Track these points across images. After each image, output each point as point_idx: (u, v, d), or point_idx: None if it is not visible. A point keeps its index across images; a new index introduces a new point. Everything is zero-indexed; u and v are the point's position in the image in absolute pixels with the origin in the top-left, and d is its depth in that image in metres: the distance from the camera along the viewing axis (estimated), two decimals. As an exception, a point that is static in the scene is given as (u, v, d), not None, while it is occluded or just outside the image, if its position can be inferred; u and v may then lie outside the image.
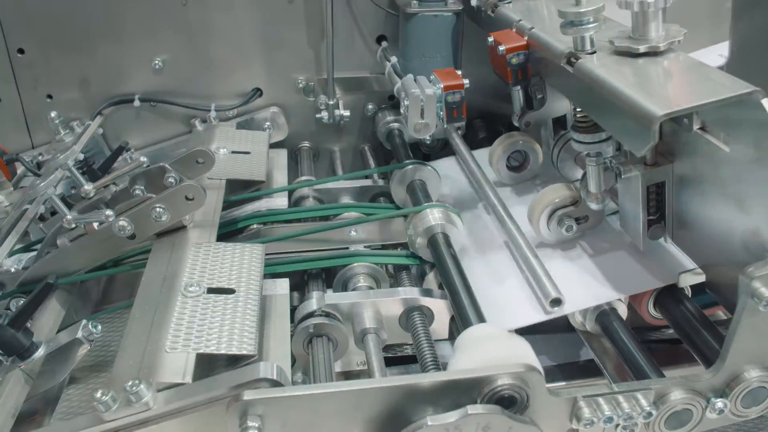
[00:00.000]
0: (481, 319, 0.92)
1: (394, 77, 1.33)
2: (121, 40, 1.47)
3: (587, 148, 1.01)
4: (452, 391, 0.77)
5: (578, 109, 1.02)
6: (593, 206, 1.04)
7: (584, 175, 1.07)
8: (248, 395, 0.73)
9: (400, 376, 0.78)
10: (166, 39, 1.48)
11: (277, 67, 1.53)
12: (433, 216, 1.12)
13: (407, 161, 1.30)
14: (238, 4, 1.46)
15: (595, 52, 0.95)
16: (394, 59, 1.41)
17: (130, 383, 0.74)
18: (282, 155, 1.49)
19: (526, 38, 1.11)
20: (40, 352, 0.93)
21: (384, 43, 1.51)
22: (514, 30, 1.15)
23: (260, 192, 1.30)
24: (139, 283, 1.07)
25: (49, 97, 1.51)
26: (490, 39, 1.15)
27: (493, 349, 0.82)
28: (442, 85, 1.10)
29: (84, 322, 0.92)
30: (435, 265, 1.10)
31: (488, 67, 1.24)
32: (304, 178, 1.42)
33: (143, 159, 1.14)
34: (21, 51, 1.47)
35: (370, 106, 1.59)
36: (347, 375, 1.11)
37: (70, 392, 0.94)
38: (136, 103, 1.50)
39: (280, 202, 1.30)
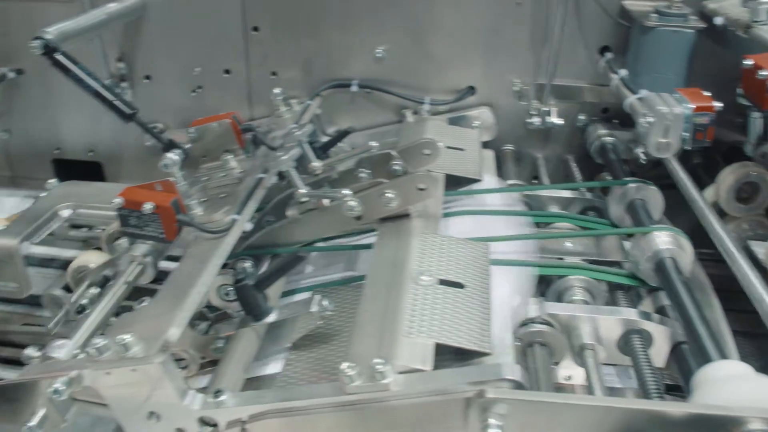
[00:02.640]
0: (723, 354, 0.87)
1: (624, 91, 1.29)
2: (348, 27, 1.52)
3: None
4: (698, 425, 0.73)
5: None
6: None
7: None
8: (493, 393, 0.72)
9: (649, 401, 0.75)
10: (391, 30, 1.51)
11: (494, 67, 1.53)
12: (661, 239, 1.07)
13: (628, 179, 1.26)
14: (466, 2, 1.47)
15: None
16: (623, 72, 1.37)
17: (378, 361, 0.76)
18: (490, 156, 1.49)
19: (793, 65, 1.04)
20: (272, 317, 0.98)
21: (608, 54, 1.47)
22: (776, 54, 1.09)
23: (474, 190, 1.29)
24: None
25: (274, 74, 1.59)
26: (748, 62, 1.08)
27: (744, 389, 0.77)
28: (692, 106, 1.05)
29: (317, 296, 0.96)
30: (661, 290, 1.05)
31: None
32: (511, 181, 1.41)
33: (373, 144, 1.17)
34: (256, 29, 1.55)
35: (581, 117, 1.55)
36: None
37: (292, 357, 0.98)
38: (354, 88, 1.55)
39: (491, 201, 1.29)
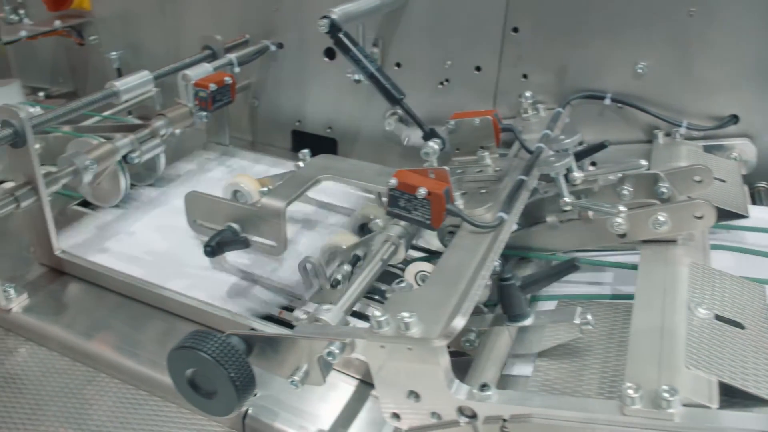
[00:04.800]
0: None
1: None
2: (611, 38, 1.48)
3: None
4: None
5: None
6: None
7: None
8: (792, 448, 0.68)
9: None
10: (658, 45, 1.45)
11: (764, 98, 1.43)
12: None
13: None
14: (751, 25, 1.38)
15: None
16: None
17: (665, 388, 0.74)
18: (746, 192, 1.40)
19: None
20: (528, 321, 0.97)
21: None
22: None
23: (740, 226, 1.21)
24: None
25: (524, 76, 1.58)
26: None
27: None
28: None
29: (580, 309, 0.94)
30: None
31: None
32: (770, 221, 1.32)
33: (643, 162, 1.14)
34: (515, 30, 1.55)
35: None
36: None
37: (542, 365, 0.97)
38: (607, 101, 1.51)
39: (753, 240, 1.22)
